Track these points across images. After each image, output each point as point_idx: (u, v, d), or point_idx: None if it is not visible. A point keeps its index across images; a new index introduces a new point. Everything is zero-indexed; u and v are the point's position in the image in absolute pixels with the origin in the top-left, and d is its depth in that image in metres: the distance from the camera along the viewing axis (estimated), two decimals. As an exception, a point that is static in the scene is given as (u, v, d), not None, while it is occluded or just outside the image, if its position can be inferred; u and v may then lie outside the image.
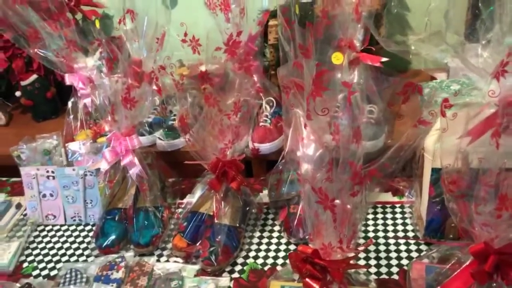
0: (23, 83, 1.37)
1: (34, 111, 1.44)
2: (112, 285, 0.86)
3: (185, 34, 0.85)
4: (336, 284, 0.64)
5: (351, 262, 0.64)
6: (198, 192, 0.98)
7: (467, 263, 0.65)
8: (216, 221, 0.92)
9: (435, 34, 0.67)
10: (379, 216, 0.99)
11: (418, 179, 0.94)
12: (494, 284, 0.63)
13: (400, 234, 0.93)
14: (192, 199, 0.98)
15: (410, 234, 0.93)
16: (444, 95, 1.06)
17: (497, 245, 0.61)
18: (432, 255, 0.79)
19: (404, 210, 1.00)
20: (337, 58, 0.63)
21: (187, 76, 1.00)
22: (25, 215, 1.11)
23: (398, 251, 0.89)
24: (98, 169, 1.03)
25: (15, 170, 1.29)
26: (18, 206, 1.14)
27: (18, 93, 1.39)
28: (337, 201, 0.58)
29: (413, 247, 0.89)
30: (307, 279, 0.64)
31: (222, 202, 0.92)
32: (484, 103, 0.72)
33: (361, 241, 0.92)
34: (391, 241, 0.92)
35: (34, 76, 1.38)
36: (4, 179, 1.29)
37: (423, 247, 0.89)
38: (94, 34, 1.13)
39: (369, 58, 1.02)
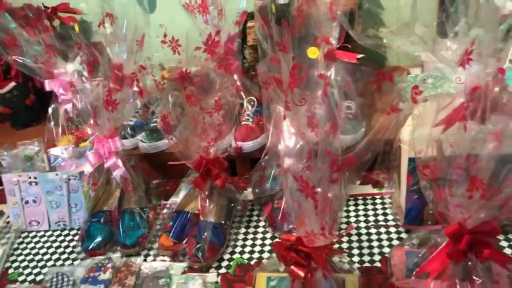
0: (1, 91, 1.36)
1: (14, 119, 1.43)
2: (99, 286, 0.87)
3: (165, 35, 0.86)
4: (320, 270, 0.67)
5: (334, 248, 0.66)
6: (182, 192, 0.99)
7: (443, 244, 0.68)
8: (201, 218, 0.93)
9: (404, 26, 0.70)
10: (360, 207, 1.02)
11: (396, 170, 0.98)
12: (469, 263, 0.66)
13: (381, 223, 0.96)
14: (176, 198, 1.00)
15: (391, 223, 0.96)
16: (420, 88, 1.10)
17: (470, 225, 0.64)
18: (412, 241, 0.81)
19: (384, 200, 1.03)
20: (313, 52, 0.66)
21: (168, 78, 1.02)
22: (8, 222, 1.11)
23: (379, 240, 0.92)
24: (81, 173, 1.03)
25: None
26: (1, 213, 1.13)
27: (-4, 102, 1.38)
28: (318, 189, 0.60)
29: (394, 236, 0.93)
30: (292, 267, 0.66)
31: (207, 200, 0.94)
32: (455, 93, 0.75)
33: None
34: (373, 230, 0.95)
35: (12, 84, 1.37)
36: (-16, 188, 1.28)
37: (403, 235, 0.92)
38: (74, 39, 1.13)
39: (345, 55, 1.05)
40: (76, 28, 0.96)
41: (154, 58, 0.97)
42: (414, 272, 0.71)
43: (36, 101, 1.44)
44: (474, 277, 0.66)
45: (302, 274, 0.65)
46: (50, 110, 1.25)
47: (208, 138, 0.90)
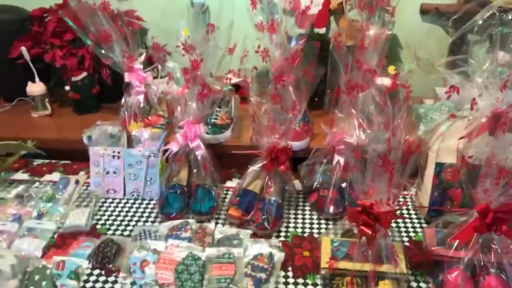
0: (74, 78, 1.54)
1: (78, 105, 1.61)
2: (184, 241, 1.05)
3: (259, 46, 1.09)
4: (382, 231, 0.89)
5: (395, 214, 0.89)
6: (249, 174, 1.19)
7: (471, 220, 0.91)
8: (266, 196, 1.14)
9: (451, 62, 0.97)
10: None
11: (420, 174, 1.22)
12: (489, 236, 0.90)
13: (406, 216, 1.20)
14: (243, 180, 1.20)
15: (414, 216, 1.20)
16: (437, 113, 1.37)
17: (493, 206, 0.88)
18: (438, 224, 1.05)
19: (407, 199, 1.27)
20: (392, 69, 0.91)
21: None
22: (85, 189, 1.28)
23: (406, 227, 1.15)
24: (158, 151, 1.23)
25: (59, 153, 1.46)
26: (77, 182, 1.30)
27: (67, 87, 1.56)
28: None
29: (417, 225, 1.16)
30: (361, 227, 0.88)
31: (272, 181, 1.15)
32: (477, 115, 1.01)
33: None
34: (400, 220, 1.18)
35: (84, 74, 1.55)
36: (54, 161, 1.45)
37: (424, 225, 1.16)
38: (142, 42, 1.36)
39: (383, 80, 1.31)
40: (186, 32, 1.16)
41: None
42: (446, 241, 0.94)
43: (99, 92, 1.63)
44: (492, 246, 0.90)
45: (370, 232, 0.88)
46: (123, 99, 1.44)
47: (280, 131, 1.12)
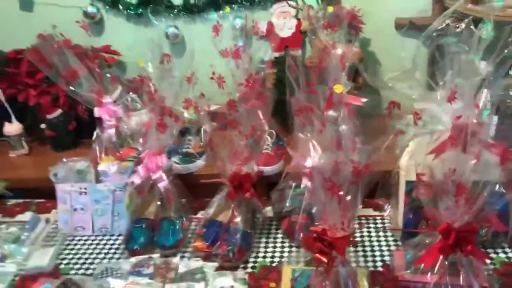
0: (49, 116, 1.55)
1: (55, 142, 1.61)
2: (145, 278, 1.02)
3: (213, 73, 1.08)
4: (339, 258, 0.84)
5: (351, 239, 0.84)
6: (215, 204, 1.16)
7: (436, 241, 0.86)
8: (231, 225, 1.10)
9: (404, 73, 0.93)
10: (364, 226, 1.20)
11: (394, 194, 1.17)
12: (456, 258, 0.84)
13: (382, 238, 1.14)
14: (209, 210, 1.16)
15: (390, 238, 1.14)
16: (413, 129, 1.32)
17: (456, 226, 0.82)
18: (409, 246, 0.99)
19: (384, 221, 1.21)
20: (337, 88, 0.87)
21: (208, 111, 1.24)
22: (54, 228, 1.26)
23: (381, 250, 1.09)
24: (126, 184, 1.21)
25: (37, 192, 1.45)
26: (47, 220, 1.29)
27: (43, 125, 1.57)
28: (341, 192, 0.79)
29: (393, 248, 1.10)
30: (317, 254, 0.83)
31: (237, 210, 1.11)
32: (443, 130, 0.97)
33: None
34: (375, 243, 1.12)
35: (59, 111, 1.56)
36: (28, 200, 1.43)
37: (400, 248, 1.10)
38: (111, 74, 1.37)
39: (353, 99, 1.27)
40: (140, 63, 1.16)
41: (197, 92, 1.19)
42: (412, 265, 0.88)
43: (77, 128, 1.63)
44: (459, 268, 0.84)
45: (325, 260, 0.83)
46: (95, 134, 1.44)
47: (241, 157, 1.09)
